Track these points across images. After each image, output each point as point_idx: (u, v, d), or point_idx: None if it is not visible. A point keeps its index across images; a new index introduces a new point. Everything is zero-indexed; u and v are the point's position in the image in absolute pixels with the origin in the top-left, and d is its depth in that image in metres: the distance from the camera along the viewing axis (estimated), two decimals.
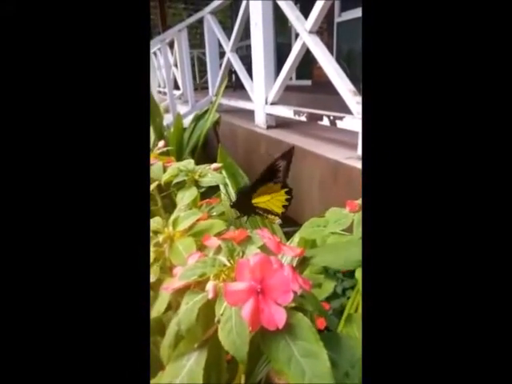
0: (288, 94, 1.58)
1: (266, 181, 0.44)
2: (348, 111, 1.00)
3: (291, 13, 1.19)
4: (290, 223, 1.07)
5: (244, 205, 0.45)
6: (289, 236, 0.65)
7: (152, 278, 0.26)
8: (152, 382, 0.25)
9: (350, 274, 0.78)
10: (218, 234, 0.29)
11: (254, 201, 0.44)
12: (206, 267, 0.21)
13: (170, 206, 0.44)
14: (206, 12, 2.01)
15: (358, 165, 0.89)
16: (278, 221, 0.45)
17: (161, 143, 0.53)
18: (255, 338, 0.18)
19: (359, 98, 0.96)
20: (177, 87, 2.99)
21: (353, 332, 0.30)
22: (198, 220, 0.30)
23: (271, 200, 0.44)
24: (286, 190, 0.44)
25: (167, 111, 2.50)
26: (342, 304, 0.96)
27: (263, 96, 1.41)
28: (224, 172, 0.74)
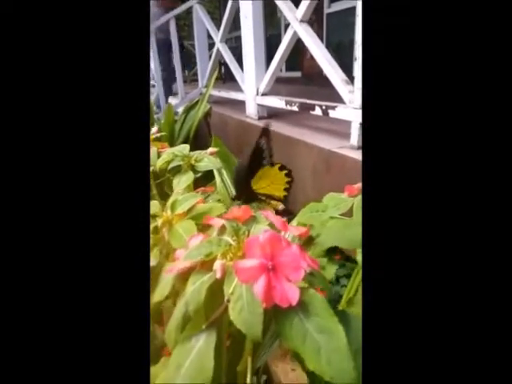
0: (278, 86, 1.57)
1: (256, 162, 0.42)
2: (339, 102, 0.99)
3: (282, 2, 1.18)
4: (284, 212, 1.07)
5: (245, 193, 0.43)
6: None
7: (152, 262, 0.25)
8: (154, 368, 0.24)
9: (345, 260, 0.78)
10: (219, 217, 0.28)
11: (254, 187, 0.42)
12: (212, 246, 0.20)
13: (164, 194, 0.43)
14: (194, 2, 1.98)
15: (351, 154, 0.89)
16: (281, 206, 0.43)
17: (154, 129, 0.52)
18: (263, 317, 0.17)
19: (351, 87, 0.96)
20: None
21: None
22: (196, 203, 0.30)
23: (271, 185, 0.42)
24: (285, 172, 0.42)
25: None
26: (336, 292, 0.97)
27: (254, 87, 1.40)
28: (218, 160, 0.72)
